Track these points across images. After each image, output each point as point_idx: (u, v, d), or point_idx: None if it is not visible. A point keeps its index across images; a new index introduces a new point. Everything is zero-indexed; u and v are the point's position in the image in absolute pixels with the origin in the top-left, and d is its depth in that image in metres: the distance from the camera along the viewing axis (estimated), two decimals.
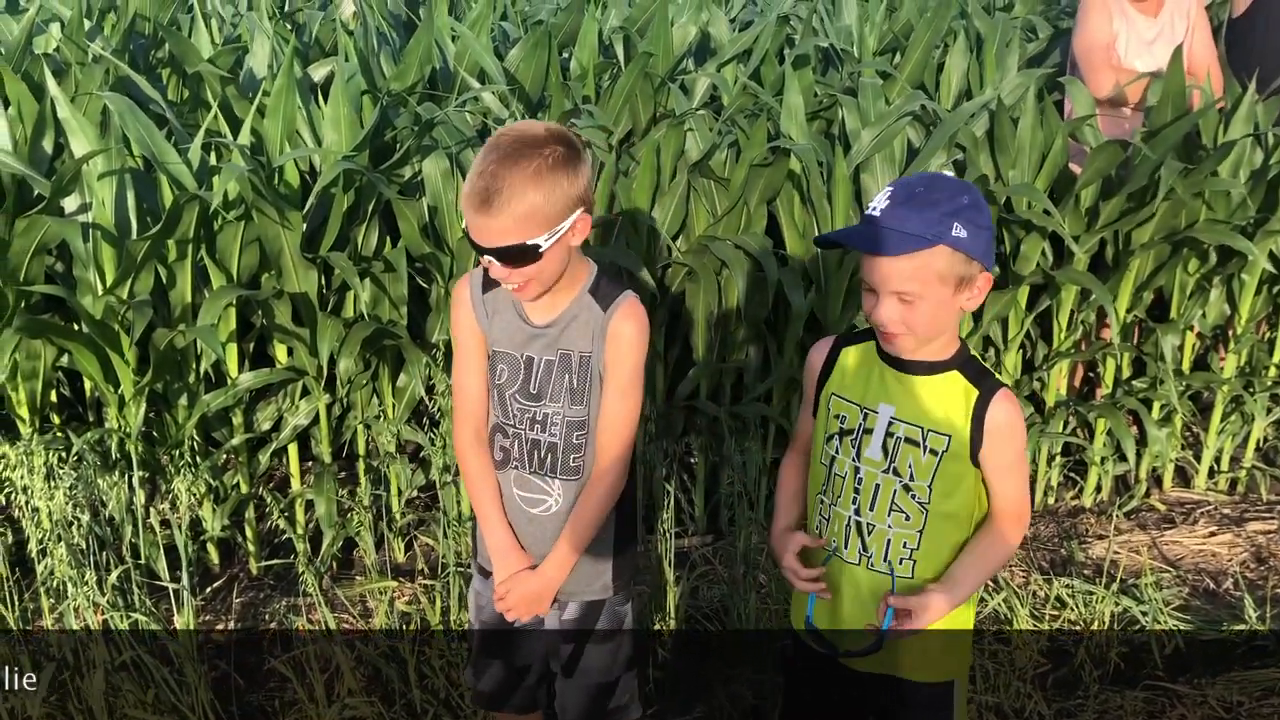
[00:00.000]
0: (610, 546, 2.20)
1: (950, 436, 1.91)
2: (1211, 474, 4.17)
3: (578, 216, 1.95)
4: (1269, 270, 3.70)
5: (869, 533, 1.98)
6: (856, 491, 1.98)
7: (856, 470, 1.98)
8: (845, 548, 2.00)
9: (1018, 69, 4.10)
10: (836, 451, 2.00)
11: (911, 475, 1.94)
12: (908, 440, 1.93)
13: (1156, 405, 3.94)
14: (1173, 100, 3.54)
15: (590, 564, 2.18)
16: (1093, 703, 2.89)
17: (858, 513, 1.98)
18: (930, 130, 3.69)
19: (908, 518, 1.95)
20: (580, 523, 2.12)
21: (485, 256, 1.93)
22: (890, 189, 1.86)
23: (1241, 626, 3.22)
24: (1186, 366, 4.03)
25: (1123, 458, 3.96)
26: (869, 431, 1.96)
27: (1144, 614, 3.21)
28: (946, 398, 1.92)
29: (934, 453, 1.92)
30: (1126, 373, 3.99)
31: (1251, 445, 4.13)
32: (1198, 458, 4.15)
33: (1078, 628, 3.25)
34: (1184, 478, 4.21)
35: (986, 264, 1.88)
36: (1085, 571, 3.56)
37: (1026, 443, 2.04)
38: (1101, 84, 3.98)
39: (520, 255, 1.91)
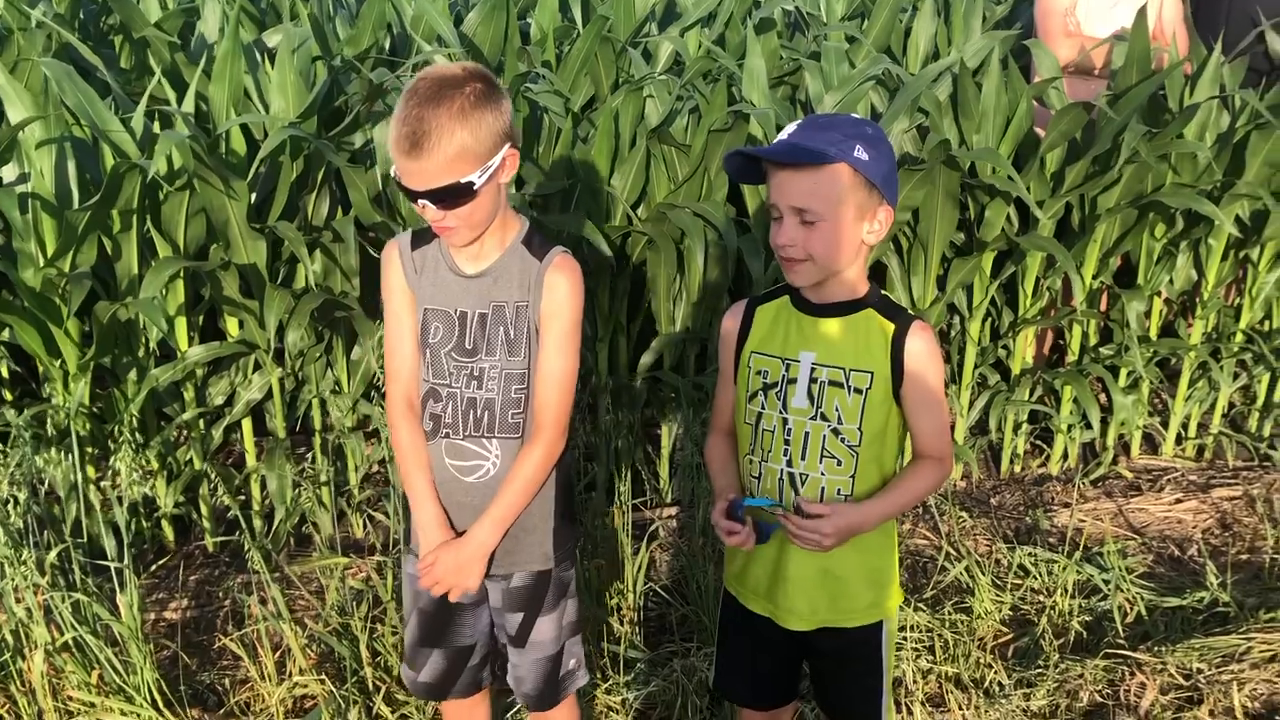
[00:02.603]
0: (551, 514, 2.15)
1: (872, 373, 1.92)
2: (1179, 440, 4.15)
3: (506, 152, 1.93)
4: (1235, 235, 3.66)
5: (803, 483, 1.96)
6: (787, 443, 1.96)
7: (785, 422, 1.96)
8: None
9: (982, 32, 4.02)
10: (762, 407, 1.99)
11: (840, 418, 1.93)
12: (831, 383, 1.93)
13: (1123, 372, 3.91)
14: (1137, 62, 3.49)
15: (533, 533, 2.13)
16: (1052, 672, 2.86)
17: (789, 464, 1.96)
18: (894, 94, 3.63)
19: (839, 463, 1.95)
20: (516, 483, 2.05)
21: (420, 201, 1.89)
22: (804, 120, 1.91)
23: (1203, 594, 3.19)
24: (1154, 333, 3.99)
25: (1089, 425, 3.93)
26: (792, 381, 1.96)
27: (1106, 582, 3.18)
28: (864, 336, 1.93)
29: (858, 391, 1.92)
30: (1094, 340, 3.96)
31: (1219, 411, 4.11)
32: (1165, 424, 4.13)
33: (1040, 596, 3.23)
34: (1152, 444, 4.19)
35: (888, 196, 1.89)
36: (1050, 540, 3.54)
37: (944, 377, 2.03)
38: (1059, 49, 3.91)
39: (455, 195, 1.88)
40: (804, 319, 1.97)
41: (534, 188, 3.26)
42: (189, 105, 3.14)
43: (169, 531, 3.49)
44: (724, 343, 2.08)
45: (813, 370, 1.94)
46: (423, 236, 2.08)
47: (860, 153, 1.82)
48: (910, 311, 1.97)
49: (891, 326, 1.93)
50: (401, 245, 2.09)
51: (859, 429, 1.93)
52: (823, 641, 2.05)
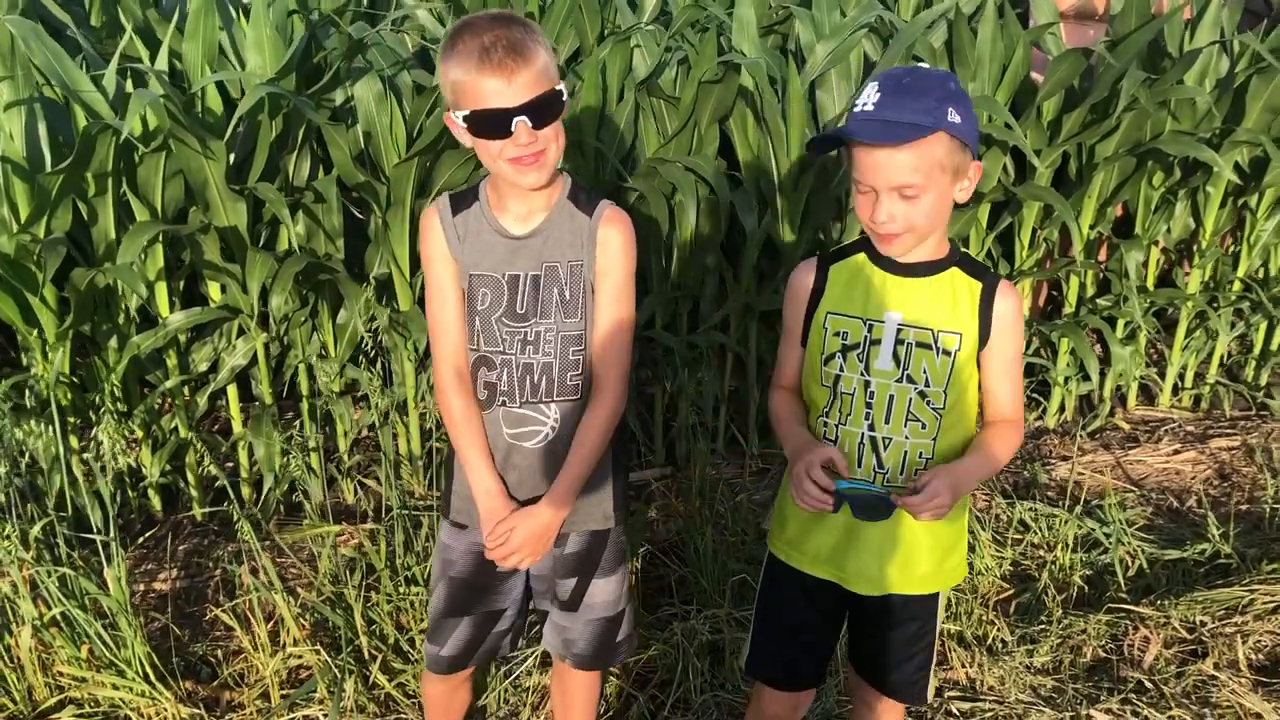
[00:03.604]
0: (609, 471, 2.09)
1: (960, 334, 1.88)
2: (1175, 391, 4.12)
3: (563, 84, 1.88)
4: (1235, 182, 3.60)
5: (885, 447, 1.92)
6: (869, 406, 1.91)
7: (867, 385, 1.91)
8: (860, 466, 1.94)
9: None
10: (841, 370, 1.93)
11: (927, 381, 1.89)
12: (919, 345, 1.89)
13: (1121, 323, 3.86)
14: (1136, 7, 3.41)
15: (592, 492, 2.07)
16: (1055, 628, 2.84)
17: (871, 428, 1.92)
18: (888, 42, 3.54)
19: (923, 426, 1.91)
20: (586, 447, 1.99)
21: (517, 120, 1.80)
22: (875, 83, 1.79)
23: (1204, 546, 3.17)
24: (1150, 283, 3.95)
25: (1086, 377, 3.89)
26: (876, 343, 1.90)
27: (1107, 536, 3.15)
28: (951, 296, 1.89)
29: (947, 353, 1.88)
30: (1090, 290, 3.91)
31: (1215, 361, 4.08)
32: (1162, 375, 4.10)
33: (1040, 551, 3.20)
34: (1148, 396, 4.16)
35: (975, 152, 1.83)
36: (1049, 494, 3.51)
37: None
38: None
39: (552, 106, 1.84)
40: (888, 278, 1.91)
41: None
42: (162, 63, 3.04)
43: (155, 501, 3.43)
44: (793, 300, 2.01)
45: (899, 331, 1.89)
46: (463, 200, 2.00)
47: (953, 115, 1.76)
48: (993, 269, 1.92)
49: (979, 286, 1.88)
50: (442, 211, 1.99)
51: (944, 391, 1.89)
52: (881, 605, 2.02)
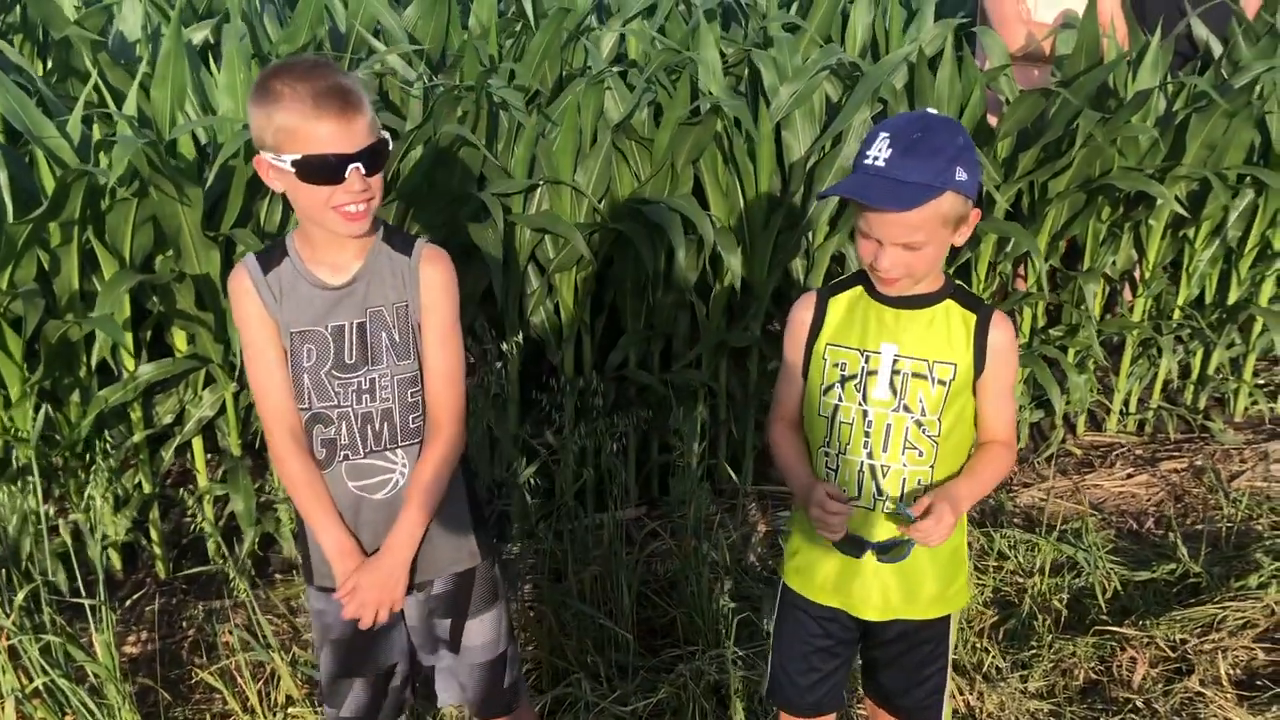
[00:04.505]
0: (467, 510, 2.08)
1: (955, 365, 1.93)
2: (1121, 416, 4.26)
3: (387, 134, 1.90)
4: (1183, 214, 3.77)
5: (884, 475, 1.96)
6: (867, 435, 1.95)
7: (865, 414, 1.95)
8: (859, 494, 1.98)
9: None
10: (839, 400, 1.97)
11: (923, 410, 1.93)
12: (915, 375, 1.93)
13: (1072, 351, 3.99)
14: (1087, 50, 3.56)
15: (452, 535, 2.05)
16: (1047, 652, 2.90)
17: (870, 456, 1.96)
18: (847, 84, 3.63)
19: (920, 454, 1.95)
20: (424, 486, 1.97)
21: (351, 167, 1.79)
22: (885, 136, 1.81)
23: (1172, 565, 3.28)
24: (1096, 312, 4.09)
25: (1039, 405, 4.01)
26: (873, 373, 1.95)
27: (1086, 560, 3.24)
28: (946, 327, 1.94)
29: (942, 383, 1.93)
30: (1041, 321, 4.03)
31: (1158, 386, 4.24)
32: (1109, 401, 4.24)
33: (1017, 576, 3.27)
34: (1094, 422, 4.30)
35: (976, 199, 1.89)
36: (1015, 521, 3.59)
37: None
38: (1012, 37, 3.98)
39: (381, 154, 1.85)
40: (884, 310, 1.95)
41: (499, 186, 3.16)
42: (131, 108, 2.95)
43: (116, 560, 3.29)
44: (793, 334, 2.04)
45: (895, 361, 1.93)
46: (270, 258, 1.94)
47: (961, 174, 1.80)
48: (985, 300, 1.99)
49: (973, 317, 1.94)
50: (252, 272, 1.93)
51: (939, 419, 1.93)
52: (891, 630, 2.06)
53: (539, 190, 3.28)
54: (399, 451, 1.98)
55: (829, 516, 1.90)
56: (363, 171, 1.80)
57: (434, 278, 1.96)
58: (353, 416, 1.96)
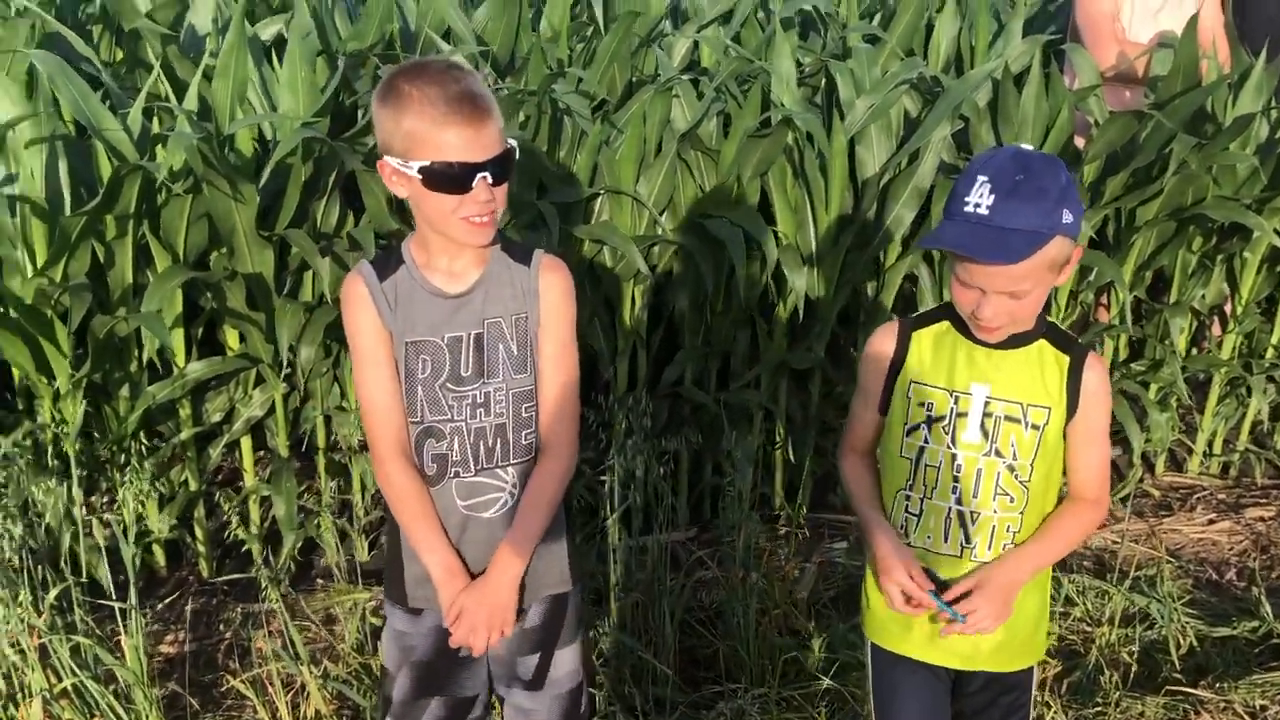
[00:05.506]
0: (564, 529, 1.99)
1: (1049, 409, 1.84)
2: (1203, 457, 4.05)
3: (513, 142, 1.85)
4: (1275, 247, 3.56)
5: (973, 522, 1.87)
6: (955, 480, 1.87)
7: (954, 458, 1.87)
8: (946, 541, 1.90)
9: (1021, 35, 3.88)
10: (926, 441, 1.88)
11: (1015, 455, 1.85)
12: (1008, 418, 1.84)
13: (1154, 388, 3.79)
14: (1184, 71, 3.37)
15: (548, 554, 1.95)
16: (1114, 712, 2.73)
17: (959, 502, 1.88)
18: (928, 99, 3.48)
19: (1012, 500, 1.87)
20: (537, 507, 1.89)
21: (479, 176, 1.73)
22: (983, 180, 1.69)
23: (1256, 623, 3.08)
24: (1182, 347, 3.89)
25: (1117, 442, 3.82)
26: (962, 415, 1.86)
27: (1159, 612, 3.05)
28: (1040, 368, 1.85)
29: (1035, 427, 1.84)
30: (1123, 354, 3.84)
31: (1246, 427, 4.01)
32: (1191, 441, 4.03)
33: (1084, 625, 3.10)
34: (1175, 461, 4.09)
35: (1077, 237, 1.78)
36: (1085, 563, 3.42)
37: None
38: (1105, 56, 3.80)
39: (508, 163, 1.78)
40: (975, 349, 1.86)
41: (557, 194, 3.08)
42: (191, 102, 2.92)
43: (160, 557, 3.27)
44: (872, 365, 1.95)
45: (987, 404, 1.84)
46: (385, 265, 1.88)
47: (1067, 215, 1.69)
48: (1079, 339, 1.90)
49: (1066, 359, 1.84)
50: (368, 279, 1.86)
51: (1031, 465, 1.84)
52: (976, 681, 1.99)
53: (599, 199, 3.19)
54: (510, 469, 1.91)
55: (902, 604, 1.85)
56: (489, 181, 1.75)
57: (553, 286, 1.89)
58: (465, 431, 1.88)
